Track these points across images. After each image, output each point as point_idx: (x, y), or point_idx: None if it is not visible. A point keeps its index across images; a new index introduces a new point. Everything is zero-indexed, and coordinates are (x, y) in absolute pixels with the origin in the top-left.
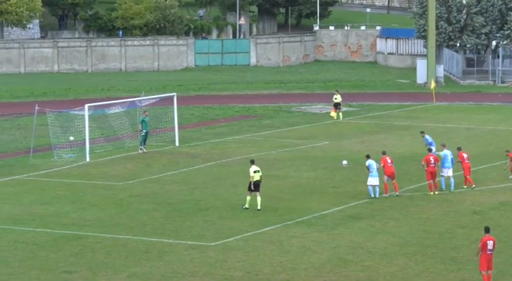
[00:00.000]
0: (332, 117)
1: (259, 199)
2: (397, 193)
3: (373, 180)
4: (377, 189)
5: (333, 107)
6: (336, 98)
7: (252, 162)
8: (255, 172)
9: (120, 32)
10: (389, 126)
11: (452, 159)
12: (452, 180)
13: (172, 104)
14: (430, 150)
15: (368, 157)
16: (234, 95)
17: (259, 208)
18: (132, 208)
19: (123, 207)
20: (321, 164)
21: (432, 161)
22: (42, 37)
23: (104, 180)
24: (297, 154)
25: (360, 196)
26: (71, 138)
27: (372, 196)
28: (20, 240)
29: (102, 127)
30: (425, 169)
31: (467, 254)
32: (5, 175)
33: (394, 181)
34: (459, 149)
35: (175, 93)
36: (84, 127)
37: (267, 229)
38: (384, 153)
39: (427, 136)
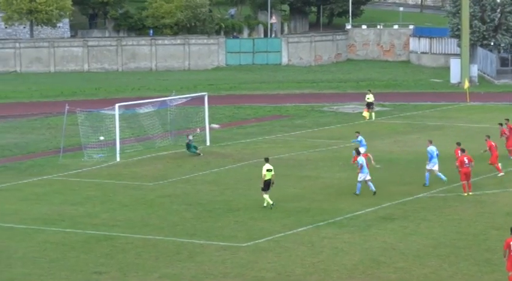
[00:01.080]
0: (364, 117)
1: (266, 196)
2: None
3: (363, 176)
4: (370, 183)
5: (365, 106)
6: (368, 98)
7: (266, 160)
8: (267, 170)
9: (151, 31)
10: (422, 126)
11: (437, 154)
12: (439, 174)
13: (203, 103)
14: (357, 151)
15: (358, 153)
16: (265, 94)
17: (271, 202)
18: (163, 208)
19: (153, 207)
20: (353, 164)
21: (466, 162)
22: (72, 36)
23: (135, 180)
24: (329, 155)
25: (393, 197)
26: (101, 138)
27: (358, 193)
28: (50, 241)
29: (133, 127)
30: (460, 169)
31: (502, 256)
32: (35, 175)
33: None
34: (488, 137)
35: (206, 93)
36: (115, 127)
37: (298, 229)
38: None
39: (360, 137)
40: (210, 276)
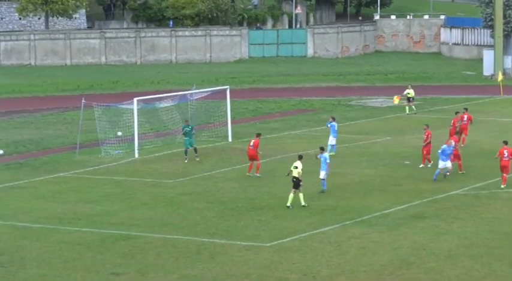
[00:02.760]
0: (409, 108)
1: (300, 195)
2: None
3: (322, 173)
4: (323, 183)
5: (406, 101)
6: (409, 93)
7: (300, 157)
8: (294, 167)
9: (171, 22)
10: None
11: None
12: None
13: (225, 97)
14: (321, 148)
15: (322, 149)
16: (290, 88)
17: (303, 203)
18: (183, 206)
19: (173, 206)
20: (382, 160)
21: (506, 155)
22: (89, 27)
23: (154, 177)
24: (356, 150)
25: (423, 195)
26: (119, 133)
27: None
28: (65, 240)
29: (152, 122)
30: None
31: None
32: (50, 172)
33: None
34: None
35: (228, 86)
36: (133, 122)
37: (324, 229)
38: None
39: (334, 123)
40: (232, 277)
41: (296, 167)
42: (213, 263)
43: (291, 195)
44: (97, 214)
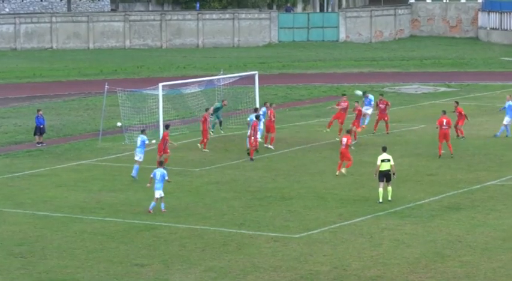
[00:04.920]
0: None
1: (389, 188)
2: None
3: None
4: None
5: None
6: None
7: (384, 149)
8: (382, 160)
9: (197, 5)
10: (491, 108)
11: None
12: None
13: (254, 83)
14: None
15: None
16: (321, 73)
17: (389, 198)
18: (210, 196)
19: (199, 195)
20: (416, 149)
21: (444, 124)
22: (112, 10)
23: (179, 166)
24: (390, 138)
25: (459, 185)
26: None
27: None
28: (87, 230)
29: (177, 108)
30: None
31: None
32: (72, 160)
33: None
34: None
35: (256, 72)
36: (158, 108)
37: (356, 220)
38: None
39: (262, 107)
40: (260, 269)
41: (388, 160)
42: (240, 254)
43: (380, 190)
44: (120, 203)
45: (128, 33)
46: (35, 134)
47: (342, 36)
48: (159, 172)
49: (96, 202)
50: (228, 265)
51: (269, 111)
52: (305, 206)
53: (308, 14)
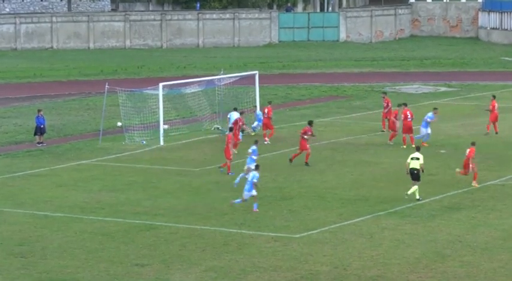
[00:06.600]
0: None
1: (415, 187)
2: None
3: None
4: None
5: None
6: None
7: (417, 149)
8: (412, 158)
9: (198, 5)
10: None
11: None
12: None
13: (254, 83)
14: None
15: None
16: (321, 73)
17: (417, 197)
18: (210, 196)
19: (200, 195)
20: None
21: (409, 116)
22: (112, 10)
23: (179, 165)
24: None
25: (459, 185)
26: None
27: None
28: (88, 230)
29: (178, 108)
30: None
31: None
32: (72, 159)
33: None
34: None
35: (257, 72)
36: (158, 108)
37: (356, 220)
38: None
39: (258, 111)
40: (260, 269)
41: (418, 158)
42: (240, 254)
43: (415, 187)
44: (120, 203)
45: (128, 33)
46: (35, 134)
47: (342, 36)
48: (251, 173)
49: (96, 202)
50: (228, 265)
51: (267, 109)
52: (305, 206)
53: (308, 13)
